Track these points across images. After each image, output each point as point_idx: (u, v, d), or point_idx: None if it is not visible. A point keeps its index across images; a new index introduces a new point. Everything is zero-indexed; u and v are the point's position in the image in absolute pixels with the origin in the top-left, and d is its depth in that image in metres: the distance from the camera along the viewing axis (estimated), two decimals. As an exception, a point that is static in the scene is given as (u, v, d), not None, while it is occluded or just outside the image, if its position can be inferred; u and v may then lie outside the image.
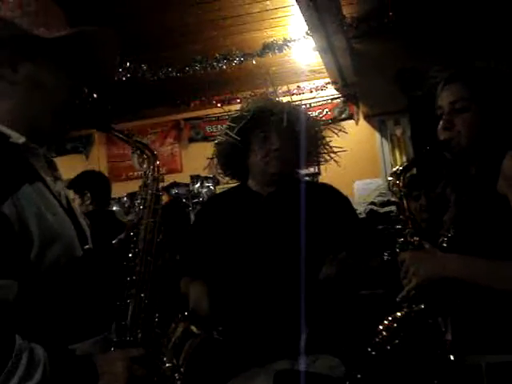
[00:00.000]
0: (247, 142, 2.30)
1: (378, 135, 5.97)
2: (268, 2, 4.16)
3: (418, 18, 4.53)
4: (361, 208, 5.23)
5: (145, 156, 1.54)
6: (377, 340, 1.66)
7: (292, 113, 2.27)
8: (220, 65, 4.58)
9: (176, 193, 6.66)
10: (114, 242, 1.85)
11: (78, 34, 1.34)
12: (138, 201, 1.50)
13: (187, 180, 6.62)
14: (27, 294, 1.22)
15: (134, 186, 6.74)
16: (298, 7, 3.79)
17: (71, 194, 3.72)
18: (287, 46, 4.51)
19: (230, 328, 2.11)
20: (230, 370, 2.05)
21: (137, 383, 1.27)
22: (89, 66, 1.44)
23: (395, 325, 1.67)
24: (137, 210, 1.49)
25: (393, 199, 5.70)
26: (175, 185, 6.66)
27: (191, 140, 6.62)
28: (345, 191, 2.28)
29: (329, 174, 5.52)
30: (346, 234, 2.21)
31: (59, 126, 1.41)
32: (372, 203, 5.37)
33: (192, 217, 5.63)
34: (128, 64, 4.41)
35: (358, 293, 2.80)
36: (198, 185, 6.61)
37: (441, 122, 1.74)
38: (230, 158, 2.40)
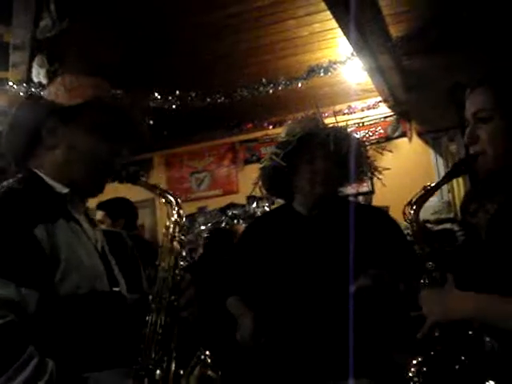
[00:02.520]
0: (292, 165, 2.32)
1: (432, 152, 5.88)
2: (317, 25, 4.23)
3: (469, 34, 4.48)
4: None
5: (169, 202, 1.61)
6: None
7: (337, 135, 2.29)
8: (266, 89, 4.67)
9: (233, 213, 6.77)
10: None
11: (97, 99, 1.53)
12: (160, 244, 1.57)
13: (243, 201, 6.73)
14: (46, 311, 1.31)
15: (192, 207, 6.92)
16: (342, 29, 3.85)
17: (100, 215, 3.96)
18: (333, 67, 4.55)
19: (276, 349, 2.16)
20: None
21: None
22: (117, 124, 1.59)
23: (424, 369, 1.56)
24: (159, 252, 1.56)
25: (448, 216, 5.62)
26: (232, 206, 6.78)
27: (247, 162, 6.73)
28: (400, 208, 2.21)
29: (383, 192, 5.53)
30: (390, 258, 2.17)
31: (96, 182, 1.58)
32: (427, 221, 5.30)
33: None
34: (177, 92, 4.57)
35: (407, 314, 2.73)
36: (254, 205, 6.70)
37: (465, 137, 1.60)
38: (275, 180, 2.42)
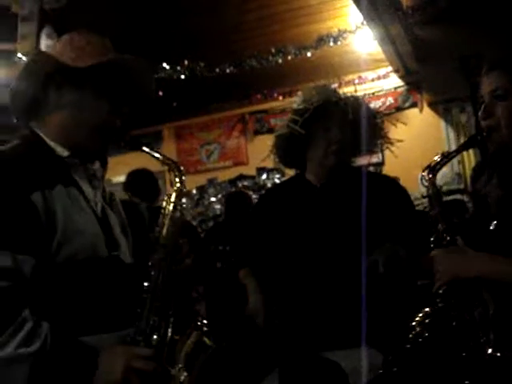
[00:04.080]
0: (308, 133, 2.28)
1: (442, 123, 5.85)
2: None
3: (479, 5, 4.42)
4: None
5: (172, 170, 1.59)
6: (411, 336, 1.63)
7: (355, 104, 2.26)
8: (276, 59, 4.64)
9: (243, 185, 6.79)
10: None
11: (110, 62, 1.50)
12: (161, 211, 1.56)
13: (253, 172, 6.74)
14: (43, 277, 1.33)
15: (202, 179, 6.95)
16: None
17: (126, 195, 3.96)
18: (342, 37, 4.51)
19: (285, 318, 2.19)
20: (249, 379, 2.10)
21: (136, 380, 1.32)
22: (127, 88, 1.57)
23: (427, 320, 1.64)
24: (159, 220, 1.55)
25: (459, 187, 5.61)
26: (242, 177, 6.80)
27: (256, 133, 6.72)
28: (409, 179, 2.18)
29: (393, 162, 5.51)
30: (399, 228, 2.17)
31: (98, 144, 1.55)
32: (437, 192, 5.29)
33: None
34: (186, 62, 4.55)
35: (415, 283, 2.75)
36: (264, 177, 6.71)
37: (480, 112, 1.67)
38: (290, 149, 2.38)
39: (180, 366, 1.47)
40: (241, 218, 4.49)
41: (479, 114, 1.69)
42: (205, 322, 1.54)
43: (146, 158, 1.65)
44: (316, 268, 2.17)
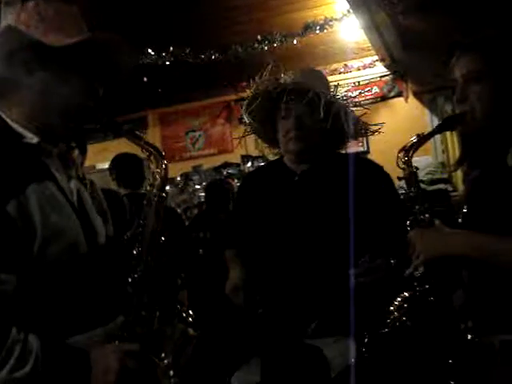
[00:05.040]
0: (273, 121, 2.33)
1: (427, 112, 5.89)
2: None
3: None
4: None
5: (153, 157, 1.54)
6: (388, 321, 1.67)
7: (321, 93, 2.21)
8: (261, 46, 4.62)
9: (228, 173, 6.77)
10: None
11: (86, 41, 1.38)
12: (145, 201, 1.53)
13: (238, 160, 6.73)
14: (27, 287, 1.29)
15: (187, 166, 6.92)
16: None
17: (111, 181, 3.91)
18: (329, 24, 4.50)
19: (268, 306, 2.19)
20: (229, 365, 2.09)
21: (129, 376, 1.32)
22: (102, 68, 1.47)
23: (406, 305, 1.68)
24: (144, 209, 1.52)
25: (443, 177, 5.64)
26: (227, 165, 6.78)
27: (241, 120, 6.68)
28: (394, 169, 2.17)
29: (378, 151, 5.53)
30: (381, 213, 2.18)
31: (72, 127, 1.45)
32: (420, 181, 5.31)
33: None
34: (171, 48, 4.52)
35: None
36: (249, 164, 6.69)
37: (454, 96, 1.70)
38: (263, 136, 2.46)
39: (166, 358, 1.47)
40: (220, 207, 4.54)
41: (454, 97, 1.69)
42: (190, 312, 1.53)
43: (131, 145, 1.61)
44: (296, 255, 2.18)
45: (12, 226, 1.26)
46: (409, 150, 1.78)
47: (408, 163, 1.77)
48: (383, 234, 2.12)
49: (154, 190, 1.52)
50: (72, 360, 1.30)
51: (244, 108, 2.35)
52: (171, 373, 1.47)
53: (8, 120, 1.39)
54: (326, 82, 2.40)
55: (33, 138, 1.38)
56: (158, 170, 1.53)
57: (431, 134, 1.85)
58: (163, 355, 1.48)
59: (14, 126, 1.39)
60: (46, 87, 1.39)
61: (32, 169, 1.37)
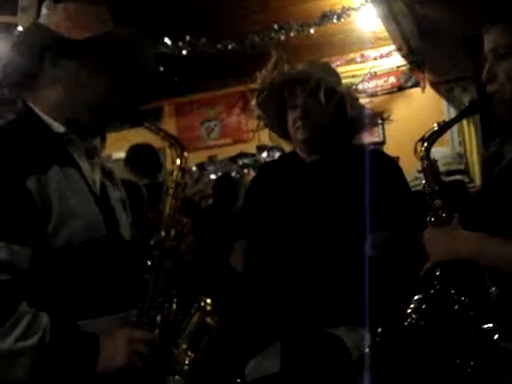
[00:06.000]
0: (284, 112, 2.31)
1: (444, 103, 5.83)
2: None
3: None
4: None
5: (174, 146, 1.57)
6: (406, 323, 1.59)
7: (322, 80, 2.21)
8: (278, 36, 4.61)
9: (243, 163, 6.76)
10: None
11: (107, 35, 1.45)
12: (164, 189, 1.54)
13: (254, 150, 6.72)
14: (40, 265, 1.31)
15: (202, 156, 6.92)
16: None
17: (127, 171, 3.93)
18: (346, 14, 4.47)
19: (285, 295, 2.19)
20: (246, 355, 2.10)
21: (139, 362, 1.32)
22: (127, 63, 1.52)
23: (423, 306, 1.59)
24: (162, 198, 1.54)
25: (459, 168, 5.60)
26: (242, 155, 6.77)
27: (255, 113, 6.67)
28: (410, 159, 2.13)
29: (394, 142, 5.50)
30: (390, 206, 2.15)
31: (97, 119, 1.51)
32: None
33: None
34: (187, 37, 4.52)
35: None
36: (265, 155, 6.67)
37: (483, 74, 1.52)
38: (276, 129, 2.44)
39: (184, 346, 1.48)
40: (228, 201, 4.53)
41: (483, 76, 1.53)
42: (208, 301, 1.53)
43: (146, 134, 1.63)
44: (311, 246, 2.17)
45: (28, 200, 1.30)
46: (428, 140, 1.66)
47: (426, 155, 1.65)
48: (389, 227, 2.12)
49: (174, 180, 1.54)
50: (81, 341, 1.31)
51: (255, 101, 2.35)
52: (186, 361, 1.47)
53: (37, 110, 1.45)
54: (332, 72, 2.40)
55: (59, 128, 1.45)
56: (178, 160, 1.55)
57: (453, 122, 1.74)
58: (179, 343, 1.48)
59: (44, 117, 1.45)
60: (72, 83, 1.45)
61: (56, 154, 1.42)
